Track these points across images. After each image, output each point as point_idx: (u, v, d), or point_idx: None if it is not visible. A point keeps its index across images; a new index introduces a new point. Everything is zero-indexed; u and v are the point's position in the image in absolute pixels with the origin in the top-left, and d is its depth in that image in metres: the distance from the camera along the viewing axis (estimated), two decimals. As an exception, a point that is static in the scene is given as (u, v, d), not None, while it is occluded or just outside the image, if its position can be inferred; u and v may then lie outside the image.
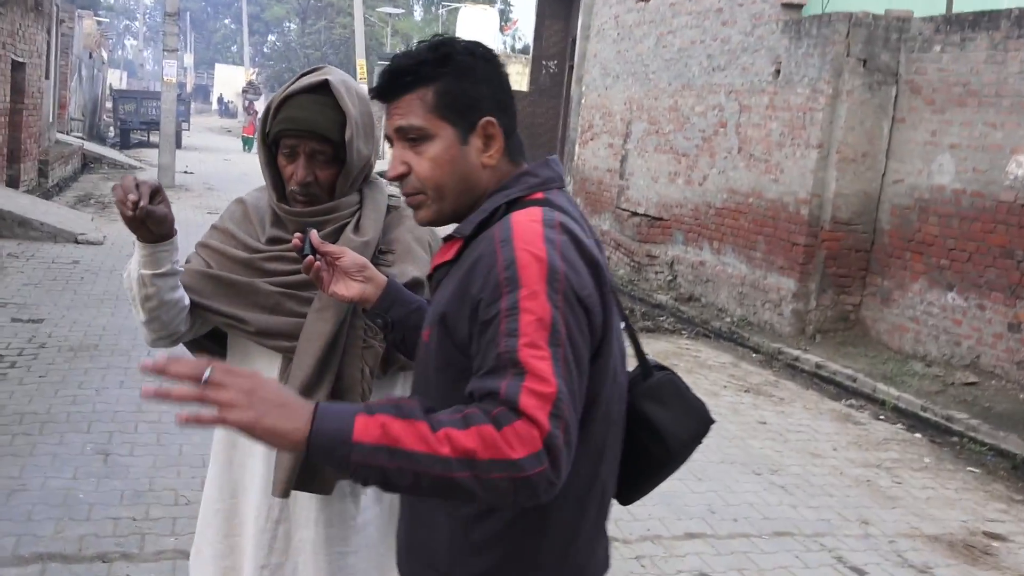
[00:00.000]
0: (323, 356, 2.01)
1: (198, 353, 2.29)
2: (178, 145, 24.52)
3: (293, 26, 62.11)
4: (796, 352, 8.92)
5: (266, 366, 2.13)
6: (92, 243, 11.28)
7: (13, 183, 14.24)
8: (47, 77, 17.88)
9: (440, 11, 43.97)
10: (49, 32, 17.86)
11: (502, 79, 1.62)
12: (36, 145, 16.00)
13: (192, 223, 12.60)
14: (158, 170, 18.97)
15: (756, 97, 10.41)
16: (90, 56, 30.97)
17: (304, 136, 2.03)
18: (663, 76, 12.61)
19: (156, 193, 1.88)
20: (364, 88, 2.13)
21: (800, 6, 10.14)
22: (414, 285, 2.05)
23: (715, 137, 11.20)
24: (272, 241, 2.14)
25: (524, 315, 1.37)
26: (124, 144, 29.42)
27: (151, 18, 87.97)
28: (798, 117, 9.62)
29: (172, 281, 2.00)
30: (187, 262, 2.17)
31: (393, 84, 1.58)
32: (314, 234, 1.91)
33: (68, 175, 18.55)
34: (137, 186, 1.85)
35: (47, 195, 15.50)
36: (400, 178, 1.61)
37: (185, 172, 21.18)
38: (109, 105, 35.06)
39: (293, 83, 2.09)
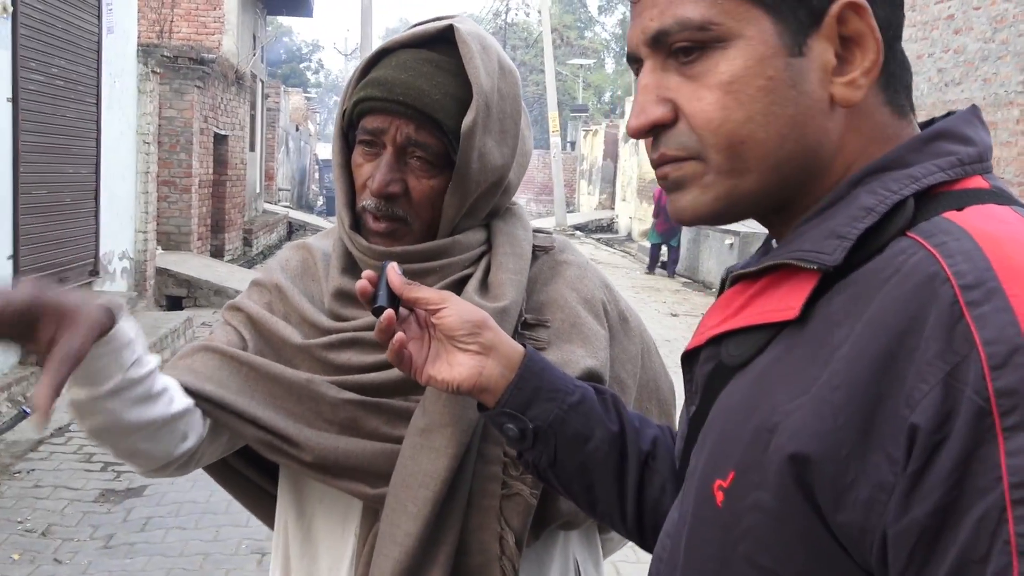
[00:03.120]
0: (432, 516, 1.15)
1: (232, 487, 1.46)
2: (378, 208, 24.90)
3: (488, 88, 63.63)
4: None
5: (336, 522, 1.30)
6: (285, 309, 11.16)
7: (217, 253, 14.54)
8: (252, 149, 18.46)
9: (632, 60, 43.46)
10: (253, 106, 18.49)
11: None
12: (240, 215, 16.40)
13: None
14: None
15: (1003, 111, 8.98)
16: (297, 129, 32.36)
17: (396, 112, 1.20)
18: (884, 98, 11.31)
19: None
20: (508, 60, 1.29)
21: (1053, 1, 8.69)
22: (587, 380, 1.15)
23: (952, 161, 9.80)
24: (339, 297, 1.29)
25: None
26: (329, 211, 30.41)
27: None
28: (1060, 130, 8.15)
29: (133, 395, 1.11)
30: (211, 335, 1.36)
31: None
32: (393, 268, 1.07)
33: (273, 243, 19.02)
34: None
35: (250, 263, 15.79)
36: (650, 130, 0.79)
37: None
38: (317, 175, 36.59)
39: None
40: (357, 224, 1.28)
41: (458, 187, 1.22)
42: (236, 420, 1.22)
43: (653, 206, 16.75)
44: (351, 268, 1.31)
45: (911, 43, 10.65)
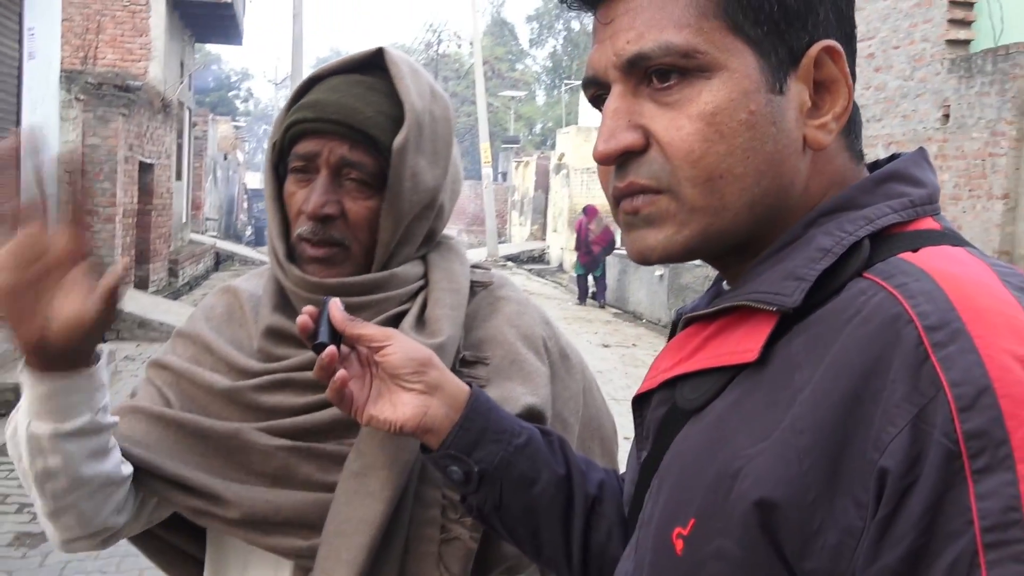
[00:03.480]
0: (367, 564, 1.10)
1: (157, 558, 1.38)
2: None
3: (420, 118, 63.78)
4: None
5: None
6: (212, 341, 10.91)
7: (142, 284, 14.19)
8: (179, 178, 18.14)
9: (563, 93, 44.04)
10: (180, 135, 18.18)
11: None
12: (166, 245, 16.06)
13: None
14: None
15: (921, 146, 9.26)
16: (225, 158, 31.94)
17: (329, 132, 1.17)
18: (808, 133, 11.59)
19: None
20: (439, 87, 1.28)
21: (967, 41, 9.01)
22: (528, 419, 1.13)
23: (874, 195, 10.07)
24: (271, 336, 1.25)
25: None
26: (258, 241, 30.00)
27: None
28: (975, 165, 8.43)
29: (94, 444, 1.07)
30: (132, 396, 1.29)
31: None
32: (336, 304, 1.03)
33: (200, 273, 18.64)
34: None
35: (176, 294, 15.46)
36: (618, 157, 0.75)
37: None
38: (245, 205, 36.14)
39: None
40: (292, 256, 1.24)
41: (392, 207, 1.19)
42: (165, 486, 1.17)
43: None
44: (284, 305, 1.26)
45: (833, 80, 10.95)
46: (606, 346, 12.35)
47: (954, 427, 0.57)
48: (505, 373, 1.22)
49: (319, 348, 1.00)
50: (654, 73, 0.73)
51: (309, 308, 1.03)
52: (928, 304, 0.61)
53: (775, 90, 0.72)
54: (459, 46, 48.96)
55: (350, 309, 1.14)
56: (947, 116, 8.87)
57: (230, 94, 57.82)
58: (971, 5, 9.03)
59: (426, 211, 1.25)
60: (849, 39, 0.77)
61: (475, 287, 1.31)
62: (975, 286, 0.63)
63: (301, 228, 1.20)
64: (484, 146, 26.21)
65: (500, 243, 28.80)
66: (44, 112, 9.34)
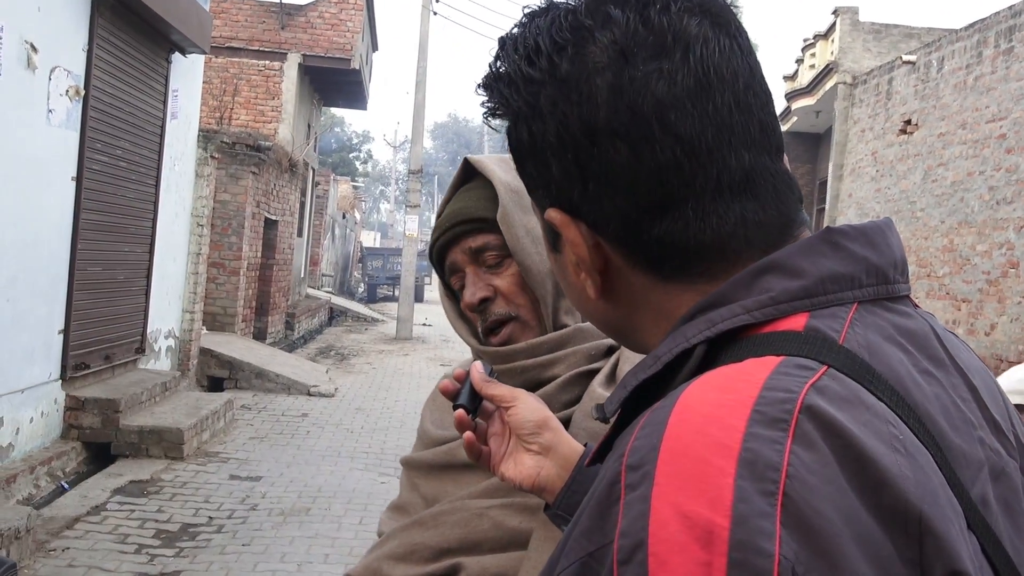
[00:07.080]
0: None
1: None
2: (418, 299, 25.21)
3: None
4: None
5: None
6: (323, 395, 11.14)
7: (260, 335, 14.66)
8: (299, 235, 18.77)
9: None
10: (303, 193, 18.85)
11: (615, 92, 0.67)
12: (284, 299, 16.58)
13: (424, 375, 12.41)
14: (397, 322, 19.29)
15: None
16: (343, 216, 32.91)
17: (456, 232, 1.33)
18: (934, 213, 11.26)
19: None
20: None
21: (1108, 125, 8.67)
22: None
23: (1004, 279, 9.67)
24: None
25: None
26: (371, 299, 30.63)
27: (404, 183, 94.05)
28: (1115, 253, 8.05)
29: None
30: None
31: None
32: (476, 367, 1.12)
33: (314, 327, 19.15)
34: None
35: (291, 347, 15.89)
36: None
37: (424, 324, 21.43)
38: (360, 263, 37.03)
39: None
40: (476, 332, 1.37)
41: (526, 267, 1.30)
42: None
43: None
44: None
45: (961, 160, 10.66)
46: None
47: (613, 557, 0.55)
48: None
49: (457, 409, 1.10)
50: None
51: (457, 371, 1.12)
52: (642, 440, 0.58)
53: (553, 250, 0.78)
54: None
55: (542, 367, 1.27)
56: (1084, 200, 8.52)
57: (351, 155, 59.68)
58: (1112, 87, 8.71)
59: None
60: (604, 177, 0.69)
61: None
62: (699, 422, 0.57)
63: (478, 323, 1.34)
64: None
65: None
66: (181, 168, 9.82)
